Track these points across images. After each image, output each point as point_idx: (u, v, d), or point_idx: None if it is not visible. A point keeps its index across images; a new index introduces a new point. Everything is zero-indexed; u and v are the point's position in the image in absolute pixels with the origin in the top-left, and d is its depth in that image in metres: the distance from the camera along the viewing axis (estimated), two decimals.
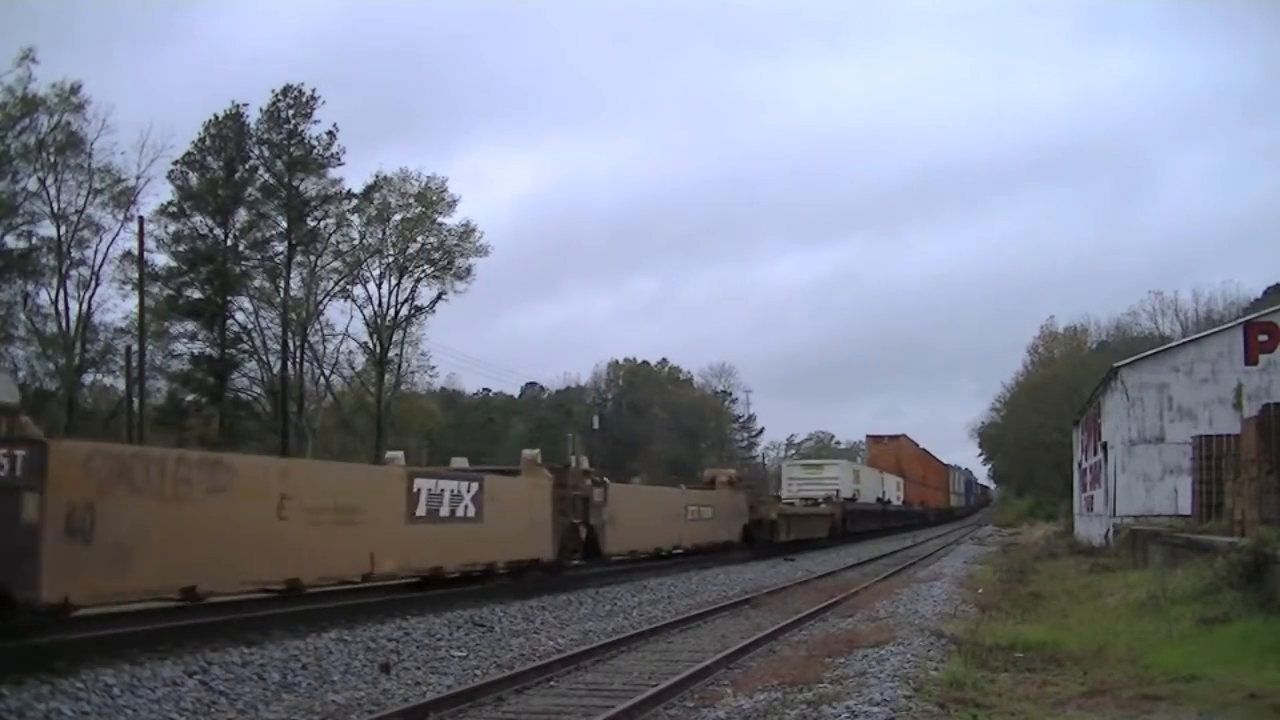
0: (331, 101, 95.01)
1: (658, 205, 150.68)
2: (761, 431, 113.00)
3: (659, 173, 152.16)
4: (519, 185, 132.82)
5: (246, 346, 53.84)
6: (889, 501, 57.04)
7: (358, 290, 56.34)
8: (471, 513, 16.60)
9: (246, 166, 53.57)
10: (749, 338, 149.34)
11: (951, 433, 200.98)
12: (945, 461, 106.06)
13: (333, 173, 54.63)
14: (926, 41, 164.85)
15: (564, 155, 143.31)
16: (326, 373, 57.34)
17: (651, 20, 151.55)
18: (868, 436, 74.29)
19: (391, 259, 56.92)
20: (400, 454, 19.58)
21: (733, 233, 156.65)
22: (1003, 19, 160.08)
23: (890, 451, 71.71)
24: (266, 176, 53.83)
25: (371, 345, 57.01)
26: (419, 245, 57.04)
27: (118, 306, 52.88)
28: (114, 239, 47.98)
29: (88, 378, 50.08)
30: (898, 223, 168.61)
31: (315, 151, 53.84)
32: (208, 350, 52.46)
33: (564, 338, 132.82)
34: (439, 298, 57.57)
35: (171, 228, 52.07)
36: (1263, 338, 29.94)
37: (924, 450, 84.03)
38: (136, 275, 42.67)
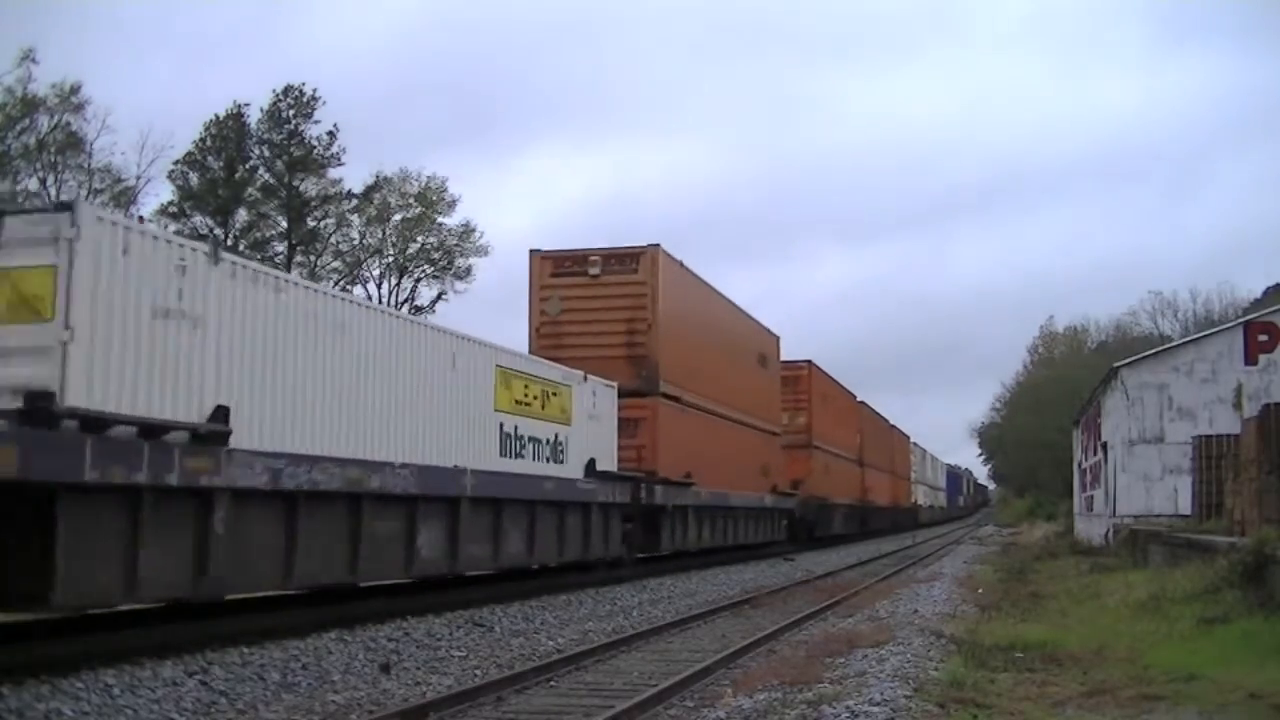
0: (392, 102, 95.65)
1: (712, 208, 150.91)
2: None
3: (716, 176, 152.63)
4: (578, 188, 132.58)
5: None
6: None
7: (358, 290, 56.44)
8: None
9: (247, 166, 53.63)
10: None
11: (963, 434, 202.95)
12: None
13: (333, 173, 54.79)
14: (997, 48, 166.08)
15: (624, 158, 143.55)
16: None
17: (722, 28, 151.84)
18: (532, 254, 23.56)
19: (391, 259, 57.08)
20: None
21: (781, 235, 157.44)
22: (1075, 25, 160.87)
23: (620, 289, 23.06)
24: (267, 176, 53.90)
25: None
26: (419, 245, 57.19)
27: None
28: None
29: None
30: (945, 228, 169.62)
31: (315, 151, 53.92)
32: None
33: None
34: (439, 298, 57.70)
35: (172, 228, 52.07)
36: (1263, 338, 29.97)
37: (822, 377, 40.76)
38: None
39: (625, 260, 23.29)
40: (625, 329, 22.93)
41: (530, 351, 21.26)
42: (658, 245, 23.29)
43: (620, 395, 21.63)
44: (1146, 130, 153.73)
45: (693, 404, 25.05)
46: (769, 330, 34.14)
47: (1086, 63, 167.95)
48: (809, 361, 39.20)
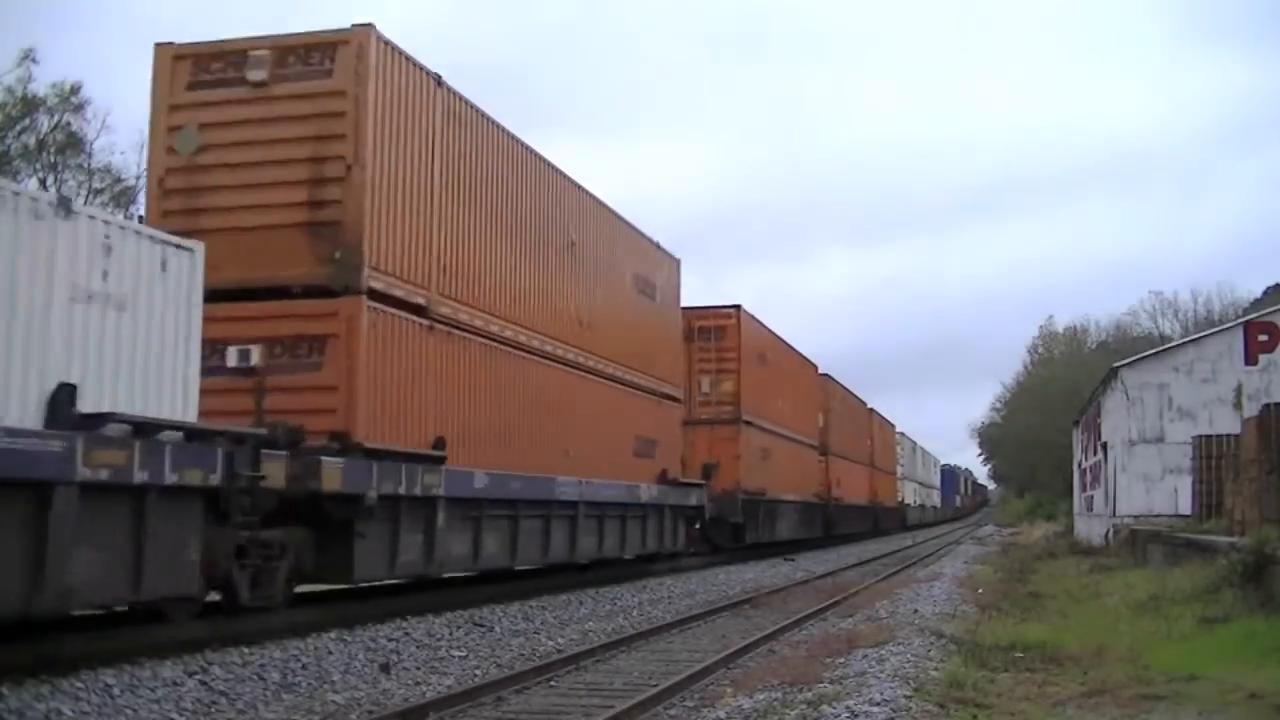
0: None
1: (720, 209, 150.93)
2: None
3: (725, 178, 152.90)
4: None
5: None
6: None
7: None
8: None
9: None
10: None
11: (963, 434, 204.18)
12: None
13: None
14: (1003, 51, 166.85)
15: (632, 159, 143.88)
16: None
17: (730, 29, 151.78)
18: None
19: None
20: None
21: (789, 236, 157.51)
22: (1080, 29, 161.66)
23: None
24: None
25: None
26: None
27: None
28: None
29: None
30: (948, 229, 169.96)
31: None
32: None
33: None
34: None
35: None
36: (1263, 338, 30.02)
37: (758, 329, 30.74)
38: None
39: (312, 55, 12.99)
40: (307, 176, 12.79)
41: (148, 219, 12.61)
42: (370, 26, 12.86)
43: (295, 295, 12.56)
44: (1150, 132, 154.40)
45: (457, 323, 14.67)
46: (660, 248, 23.02)
47: (1091, 66, 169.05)
48: (737, 306, 28.73)
